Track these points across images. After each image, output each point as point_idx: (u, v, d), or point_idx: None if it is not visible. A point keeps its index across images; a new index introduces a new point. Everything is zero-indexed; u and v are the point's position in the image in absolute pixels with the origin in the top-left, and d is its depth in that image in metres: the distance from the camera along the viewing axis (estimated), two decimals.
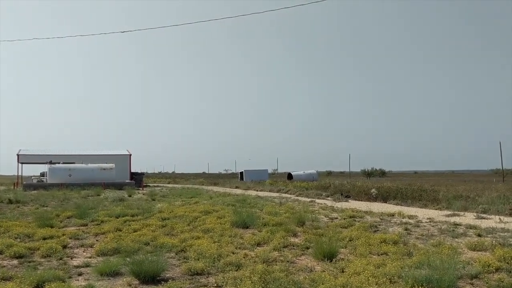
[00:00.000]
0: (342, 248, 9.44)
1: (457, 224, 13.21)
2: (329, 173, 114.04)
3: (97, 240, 10.93)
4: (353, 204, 21.89)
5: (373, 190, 25.24)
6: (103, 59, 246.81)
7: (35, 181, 48.56)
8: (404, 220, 14.55)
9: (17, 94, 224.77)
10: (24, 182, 45.54)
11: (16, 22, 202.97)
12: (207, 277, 7.21)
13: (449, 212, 16.80)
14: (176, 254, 9.13)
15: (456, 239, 10.70)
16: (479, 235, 11.15)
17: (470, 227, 12.63)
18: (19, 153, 50.91)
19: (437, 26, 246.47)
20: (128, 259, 7.70)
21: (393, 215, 15.82)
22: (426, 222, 14.09)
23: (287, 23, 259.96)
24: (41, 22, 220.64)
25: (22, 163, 51.35)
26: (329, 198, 26.05)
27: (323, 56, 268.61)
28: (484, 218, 14.92)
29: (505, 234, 11.21)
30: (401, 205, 20.90)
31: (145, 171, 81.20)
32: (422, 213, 16.75)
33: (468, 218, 15.12)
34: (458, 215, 15.89)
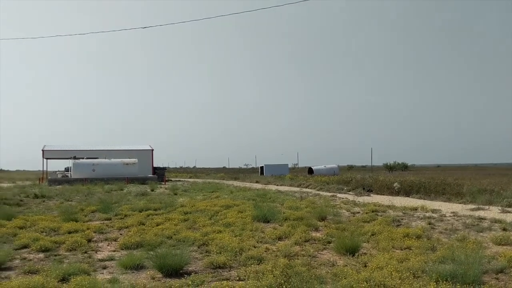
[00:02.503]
0: (365, 242, 9.40)
1: (482, 218, 12.98)
2: (350, 167, 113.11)
3: (120, 234, 11.11)
4: (375, 198, 21.70)
5: (395, 184, 24.95)
6: (126, 55, 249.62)
7: (59, 176, 49.56)
8: (427, 214, 14.35)
9: (43, 90, 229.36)
10: (49, 177, 46.49)
11: (39, 20, 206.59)
12: (229, 271, 7.26)
13: (473, 206, 16.50)
14: (198, 247, 9.21)
15: (481, 234, 10.52)
16: (505, 229, 10.94)
17: (495, 221, 12.40)
18: (44, 149, 51.93)
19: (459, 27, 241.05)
20: (151, 252, 7.80)
21: (416, 209, 15.61)
22: (450, 216, 13.87)
23: (299, 20, 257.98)
24: (65, 19, 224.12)
25: (47, 158, 52.37)
26: (350, 193, 25.86)
27: (341, 51, 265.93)
28: (509, 212, 14.63)
29: None
30: (424, 199, 20.63)
31: (167, 166, 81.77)
32: (446, 207, 16.49)
33: (493, 212, 14.83)
34: (483, 209, 15.60)
